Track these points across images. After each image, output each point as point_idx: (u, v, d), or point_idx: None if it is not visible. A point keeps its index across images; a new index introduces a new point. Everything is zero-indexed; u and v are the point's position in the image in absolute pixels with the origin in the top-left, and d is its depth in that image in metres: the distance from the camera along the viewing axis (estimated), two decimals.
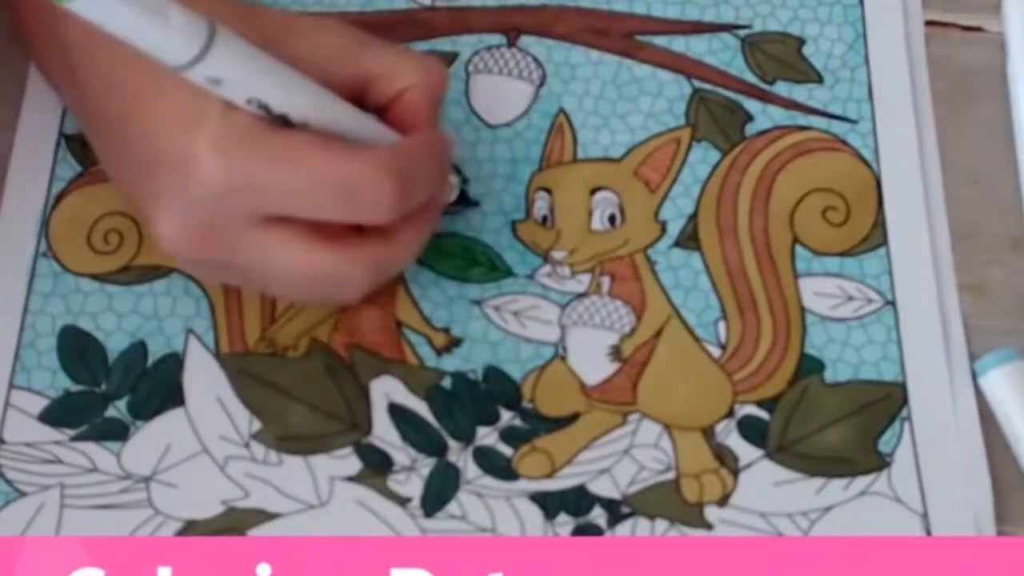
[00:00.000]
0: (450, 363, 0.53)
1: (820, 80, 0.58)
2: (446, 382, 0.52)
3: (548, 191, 0.56)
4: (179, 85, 0.44)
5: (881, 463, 0.51)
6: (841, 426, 0.52)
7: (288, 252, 0.48)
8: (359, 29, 0.51)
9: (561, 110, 0.58)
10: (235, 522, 0.50)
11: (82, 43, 0.50)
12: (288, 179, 0.46)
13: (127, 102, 0.48)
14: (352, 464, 0.51)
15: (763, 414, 0.52)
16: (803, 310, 0.54)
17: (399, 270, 0.53)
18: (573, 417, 0.52)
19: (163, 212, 0.47)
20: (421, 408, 0.52)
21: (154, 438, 0.51)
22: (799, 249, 0.55)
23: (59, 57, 0.52)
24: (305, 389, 0.52)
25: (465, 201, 0.55)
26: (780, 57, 0.59)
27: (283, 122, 0.46)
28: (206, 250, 0.48)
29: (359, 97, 0.50)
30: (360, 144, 0.48)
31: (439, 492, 0.50)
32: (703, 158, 0.57)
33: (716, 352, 0.53)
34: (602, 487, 0.50)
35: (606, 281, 0.54)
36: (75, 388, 0.52)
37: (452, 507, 0.50)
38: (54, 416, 0.52)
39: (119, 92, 0.49)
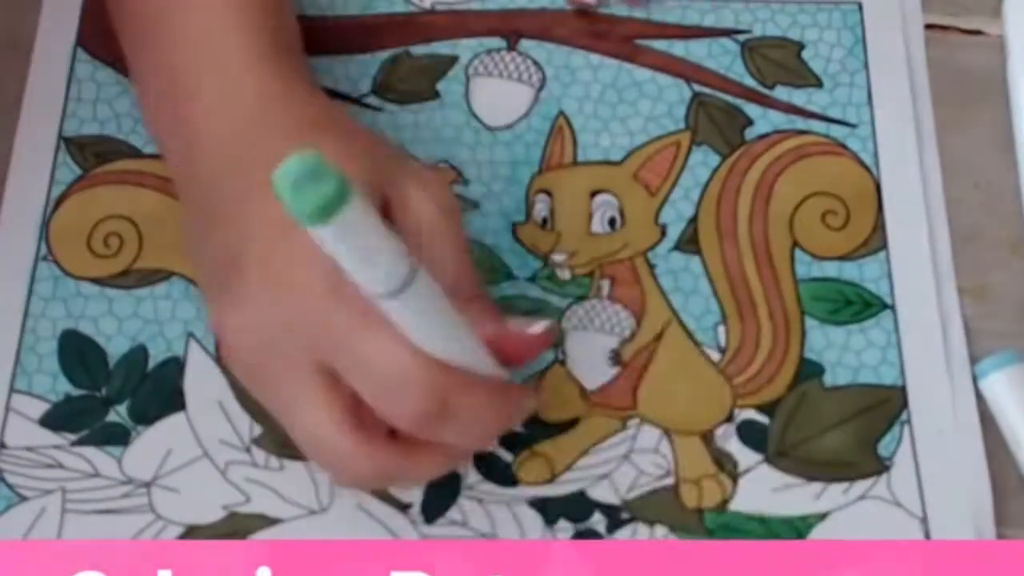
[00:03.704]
0: None
1: (819, 84, 0.58)
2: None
3: (548, 193, 0.56)
4: None
5: (881, 467, 0.51)
6: (841, 430, 0.52)
7: (314, 410, 0.46)
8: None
9: (561, 113, 0.58)
10: (236, 527, 0.50)
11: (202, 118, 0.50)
12: (355, 341, 0.44)
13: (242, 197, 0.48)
14: None
15: (762, 419, 0.52)
16: (803, 314, 0.54)
17: (399, 485, 0.50)
18: (573, 422, 0.52)
19: (237, 313, 0.47)
20: None
21: (155, 443, 0.51)
22: (799, 253, 0.55)
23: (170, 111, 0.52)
24: None
25: None
26: (779, 61, 0.59)
27: None
28: (257, 364, 0.47)
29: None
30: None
31: (439, 498, 0.50)
32: (703, 162, 0.57)
33: (716, 356, 0.53)
34: (602, 493, 0.51)
35: (606, 284, 0.54)
36: (76, 392, 0.52)
37: (453, 513, 0.50)
38: (55, 420, 0.52)
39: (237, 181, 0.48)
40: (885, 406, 0.52)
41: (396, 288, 0.41)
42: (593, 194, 0.56)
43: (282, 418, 0.48)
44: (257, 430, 0.51)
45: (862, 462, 0.51)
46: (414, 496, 0.50)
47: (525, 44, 0.59)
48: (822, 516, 0.50)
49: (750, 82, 0.58)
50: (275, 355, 0.46)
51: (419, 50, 0.59)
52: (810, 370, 0.53)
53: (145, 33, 0.53)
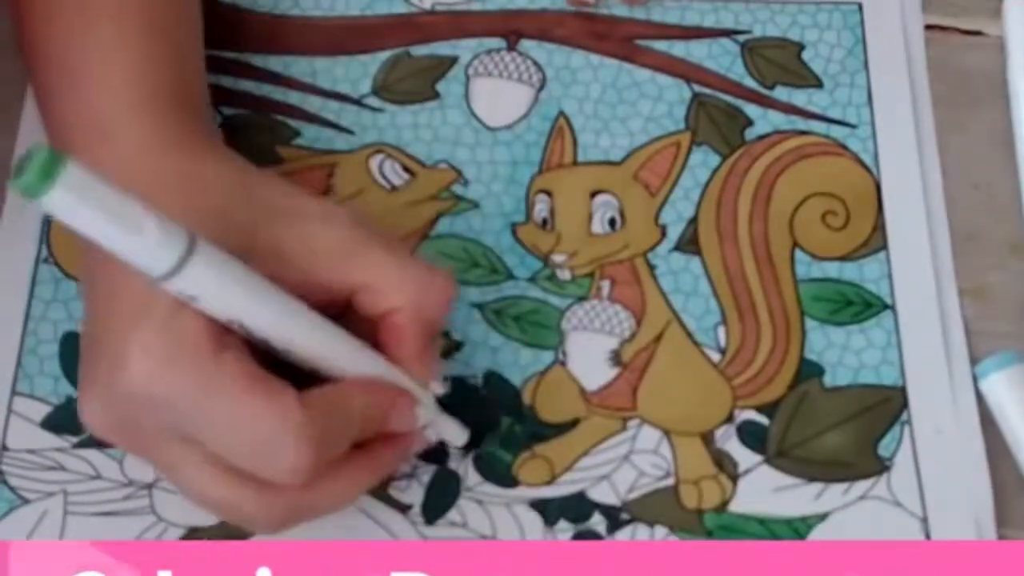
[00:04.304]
0: (450, 368, 0.53)
1: (820, 85, 0.58)
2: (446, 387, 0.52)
3: (548, 193, 0.56)
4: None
5: (881, 467, 0.51)
6: (841, 430, 0.52)
7: (197, 476, 0.45)
8: (373, 226, 0.48)
9: (561, 113, 0.58)
10: (237, 529, 0.50)
11: None
12: (206, 414, 0.43)
13: (94, 268, 0.47)
14: None
15: (762, 419, 0.52)
16: (803, 314, 0.54)
17: (324, 514, 0.48)
18: (573, 423, 0.52)
19: (88, 396, 0.46)
20: None
21: None
22: (799, 253, 0.55)
23: None
24: None
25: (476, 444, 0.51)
26: (780, 62, 0.59)
27: (264, 345, 0.44)
28: (124, 443, 0.47)
29: (346, 302, 0.47)
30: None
31: (440, 499, 0.50)
32: (703, 162, 0.57)
33: (716, 357, 0.53)
34: (602, 494, 0.51)
35: (606, 285, 0.54)
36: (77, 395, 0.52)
37: (453, 514, 0.50)
38: (57, 423, 0.52)
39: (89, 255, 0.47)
40: (885, 406, 0.52)
41: (179, 257, 0.39)
42: (593, 194, 0.56)
43: (171, 483, 0.47)
44: None
45: (862, 462, 0.51)
46: (414, 497, 0.50)
47: (525, 44, 0.59)
48: (822, 516, 0.50)
49: (750, 82, 0.58)
50: (137, 432, 0.45)
51: (419, 50, 0.59)
52: (810, 370, 0.53)
53: (49, 96, 0.52)
